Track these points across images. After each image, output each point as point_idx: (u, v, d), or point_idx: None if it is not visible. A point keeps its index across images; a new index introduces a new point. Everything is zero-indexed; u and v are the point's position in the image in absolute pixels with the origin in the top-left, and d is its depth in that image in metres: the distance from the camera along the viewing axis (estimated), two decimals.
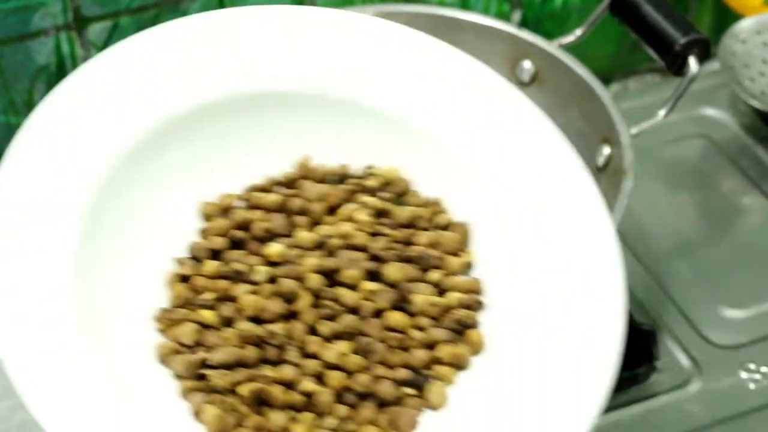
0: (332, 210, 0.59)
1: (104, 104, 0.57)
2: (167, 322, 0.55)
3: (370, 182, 0.59)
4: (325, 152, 0.60)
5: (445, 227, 0.59)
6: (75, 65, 0.87)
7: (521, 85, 0.87)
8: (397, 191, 0.60)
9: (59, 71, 0.87)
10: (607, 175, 0.80)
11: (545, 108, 0.87)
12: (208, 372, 0.53)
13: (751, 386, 0.82)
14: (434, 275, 0.57)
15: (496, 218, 0.58)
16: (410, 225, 0.59)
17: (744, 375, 0.83)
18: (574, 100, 0.84)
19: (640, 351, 0.83)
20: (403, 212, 0.59)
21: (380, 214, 0.59)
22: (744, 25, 1.00)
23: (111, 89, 0.57)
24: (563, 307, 0.55)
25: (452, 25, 0.88)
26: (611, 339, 0.54)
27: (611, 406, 0.81)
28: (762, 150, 0.99)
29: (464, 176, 0.59)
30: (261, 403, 0.53)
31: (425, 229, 0.59)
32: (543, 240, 0.57)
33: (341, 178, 0.60)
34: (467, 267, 0.58)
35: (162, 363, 0.55)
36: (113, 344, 0.54)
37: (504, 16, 0.97)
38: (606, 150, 0.81)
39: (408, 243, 0.58)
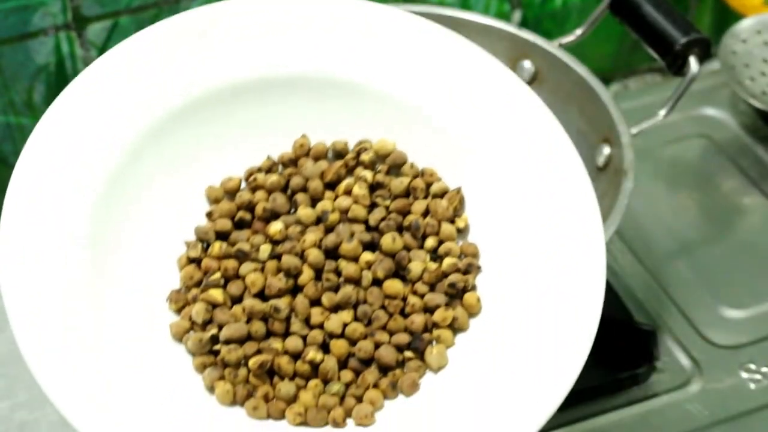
0: (332, 185, 0.61)
1: (111, 99, 0.60)
2: (179, 302, 0.58)
3: (366, 156, 0.61)
4: (323, 131, 0.63)
5: (440, 195, 0.60)
6: (75, 65, 0.87)
7: None
8: (393, 163, 0.61)
9: (59, 71, 0.87)
10: (607, 175, 0.80)
11: None
12: (219, 347, 0.56)
13: (751, 386, 0.82)
14: (430, 242, 0.59)
15: (487, 185, 0.60)
16: (407, 195, 0.61)
17: (744, 375, 0.83)
18: (574, 100, 0.84)
19: (640, 351, 0.83)
20: (401, 184, 0.60)
21: (377, 185, 0.61)
22: (744, 24, 1.00)
23: (117, 85, 0.60)
24: (551, 267, 0.57)
25: (452, 24, 0.87)
26: (595, 293, 0.56)
27: (611, 406, 0.82)
28: (762, 150, 0.99)
29: (455, 147, 0.61)
30: (270, 374, 0.57)
31: (424, 197, 0.61)
32: (531, 204, 0.59)
33: (339, 154, 0.62)
34: (462, 232, 0.60)
35: (176, 341, 0.58)
36: (130, 325, 0.57)
37: (504, 16, 0.97)
38: (606, 150, 0.81)
39: (405, 213, 0.60)
